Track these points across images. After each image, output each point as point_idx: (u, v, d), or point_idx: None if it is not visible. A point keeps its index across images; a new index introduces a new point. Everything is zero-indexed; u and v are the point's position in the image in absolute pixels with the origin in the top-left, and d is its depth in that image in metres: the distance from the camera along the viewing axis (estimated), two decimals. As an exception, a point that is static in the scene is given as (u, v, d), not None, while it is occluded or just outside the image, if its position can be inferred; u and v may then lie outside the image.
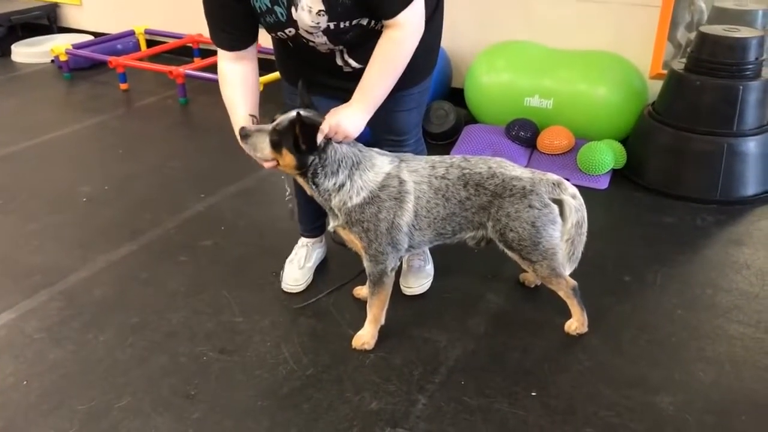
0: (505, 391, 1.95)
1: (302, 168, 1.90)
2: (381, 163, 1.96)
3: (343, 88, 2.00)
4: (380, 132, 2.19)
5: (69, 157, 3.65)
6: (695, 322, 2.23)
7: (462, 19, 3.84)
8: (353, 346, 2.12)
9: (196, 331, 2.22)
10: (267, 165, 1.91)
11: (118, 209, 3.03)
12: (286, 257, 2.48)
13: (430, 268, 2.44)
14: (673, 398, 1.91)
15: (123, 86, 4.59)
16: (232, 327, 2.24)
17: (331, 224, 2.04)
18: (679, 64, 3.10)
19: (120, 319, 2.28)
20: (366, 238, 1.97)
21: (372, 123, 1.98)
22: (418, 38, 1.89)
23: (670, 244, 2.70)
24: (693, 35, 3.22)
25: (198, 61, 4.68)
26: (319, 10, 1.79)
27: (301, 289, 2.40)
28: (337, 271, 2.50)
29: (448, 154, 2.71)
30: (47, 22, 5.66)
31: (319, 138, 1.84)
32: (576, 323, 2.16)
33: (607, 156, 3.17)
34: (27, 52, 5.26)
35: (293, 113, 1.83)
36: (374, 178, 1.94)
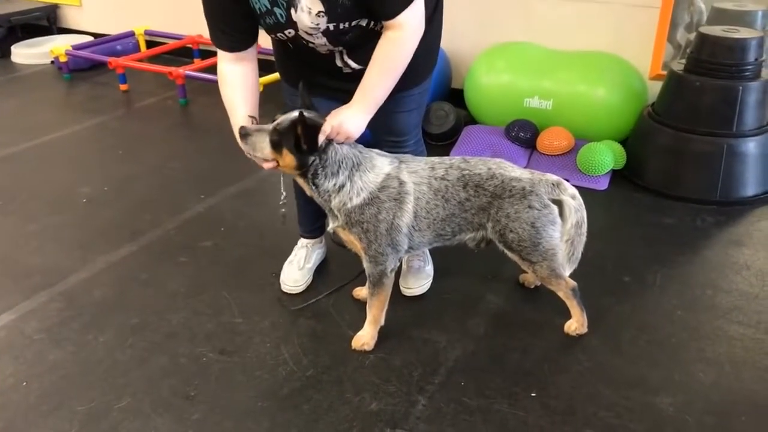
0: (505, 392, 1.95)
1: (302, 168, 1.90)
2: (381, 164, 1.96)
3: (342, 89, 2.01)
4: (380, 133, 2.19)
5: (69, 158, 3.65)
6: (695, 323, 2.23)
7: (462, 20, 3.85)
8: (353, 347, 2.12)
9: (196, 332, 2.22)
10: (266, 165, 1.90)
11: (117, 210, 3.03)
12: (286, 258, 2.48)
13: (429, 268, 2.44)
14: (672, 399, 1.91)
15: (123, 87, 4.59)
16: (232, 328, 2.24)
17: (331, 225, 2.03)
18: (678, 65, 3.10)
19: (120, 320, 2.28)
20: (366, 239, 1.97)
21: (372, 124, 1.98)
22: (418, 39, 1.89)
23: (669, 244, 2.70)
24: (692, 36, 3.22)
25: (198, 62, 4.68)
26: (319, 12, 1.79)
27: (301, 290, 2.40)
28: (337, 272, 2.50)
29: (447, 155, 2.71)
30: (47, 23, 5.65)
31: (321, 139, 1.84)
32: (576, 324, 2.16)
33: (606, 157, 3.17)
34: (27, 53, 5.25)
35: (295, 113, 1.82)
36: (374, 179, 1.93)
